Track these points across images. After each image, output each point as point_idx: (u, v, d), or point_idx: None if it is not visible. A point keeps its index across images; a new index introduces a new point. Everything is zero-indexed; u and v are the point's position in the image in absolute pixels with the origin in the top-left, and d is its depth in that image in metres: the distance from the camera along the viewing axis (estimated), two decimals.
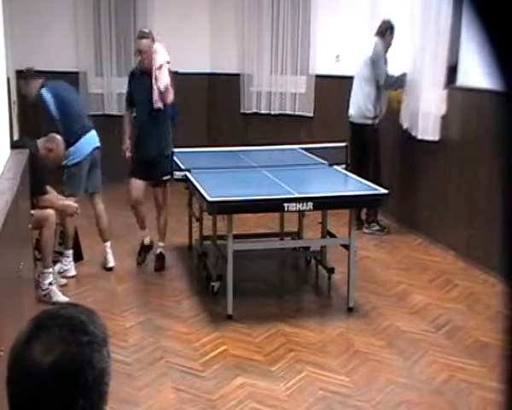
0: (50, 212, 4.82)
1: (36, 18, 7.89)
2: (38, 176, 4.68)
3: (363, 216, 6.63)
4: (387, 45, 6.49)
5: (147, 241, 5.73)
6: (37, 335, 1.22)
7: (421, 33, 6.22)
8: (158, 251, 5.67)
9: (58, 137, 5.02)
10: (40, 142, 4.92)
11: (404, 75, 6.45)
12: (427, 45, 6.16)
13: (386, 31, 6.45)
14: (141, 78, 5.51)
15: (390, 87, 6.53)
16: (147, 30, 5.67)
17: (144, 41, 5.38)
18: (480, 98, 5.33)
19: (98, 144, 5.45)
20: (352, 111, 6.64)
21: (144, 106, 5.49)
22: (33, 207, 4.69)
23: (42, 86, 5.27)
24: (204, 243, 5.70)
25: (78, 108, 5.46)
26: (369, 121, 6.50)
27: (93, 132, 5.41)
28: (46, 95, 5.23)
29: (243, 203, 4.53)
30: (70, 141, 5.16)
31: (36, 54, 7.89)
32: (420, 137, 6.28)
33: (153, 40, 5.45)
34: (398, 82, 6.47)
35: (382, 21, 6.49)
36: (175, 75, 8.28)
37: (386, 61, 6.47)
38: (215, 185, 4.82)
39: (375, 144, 6.52)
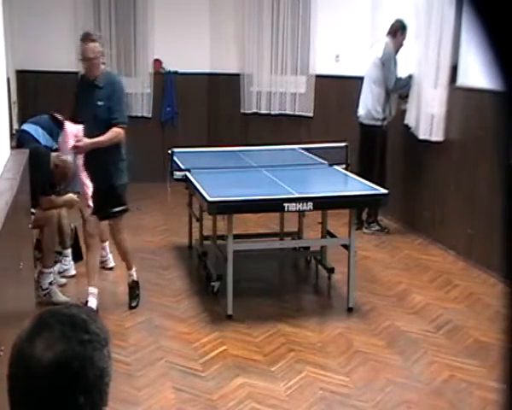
0: (52, 211, 4.85)
1: (36, 18, 7.88)
2: (43, 178, 4.72)
3: (364, 216, 6.63)
4: (399, 45, 6.47)
5: (134, 277, 4.99)
6: (38, 332, 1.23)
7: (424, 33, 6.21)
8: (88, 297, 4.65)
9: (69, 158, 5.06)
10: (52, 156, 4.96)
11: (410, 77, 6.44)
12: (429, 45, 6.15)
13: (397, 31, 6.43)
14: (87, 89, 4.62)
15: (398, 90, 6.49)
16: (93, 32, 4.73)
17: (90, 45, 4.50)
18: (481, 98, 5.34)
19: None
20: (361, 112, 6.63)
21: (89, 127, 4.51)
22: (35, 206, 4.70)
23: (19, 128, 5.22)
24: (204, 243, 5.70)
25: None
26: (378, 123, 6.47)
27: None
28: (30, 128, 5.15)
29: (243, 203, 4.53)
30: None
31: (36, 54, 7.90)
32: (422, 137, 6.28)
33: (102, 45, 4.66)
34: (407, 85, 6.46)
35: (395, 21, 6.46)
36: (175, 75, 8.28)
37: (395, 63, 6.45)
38: (215, 185, 4.82)
39: (382, 146, 6.50)
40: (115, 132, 4.52)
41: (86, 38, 4.54)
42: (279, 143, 6.43)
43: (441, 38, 6.03)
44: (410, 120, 6.44)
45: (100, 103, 4.53)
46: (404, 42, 6.46)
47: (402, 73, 6.48)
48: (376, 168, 6.38)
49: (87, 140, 4.47)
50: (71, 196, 5.14)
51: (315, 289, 5.51)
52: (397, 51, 6.48)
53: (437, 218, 6.34)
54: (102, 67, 4.62)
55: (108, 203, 4.64)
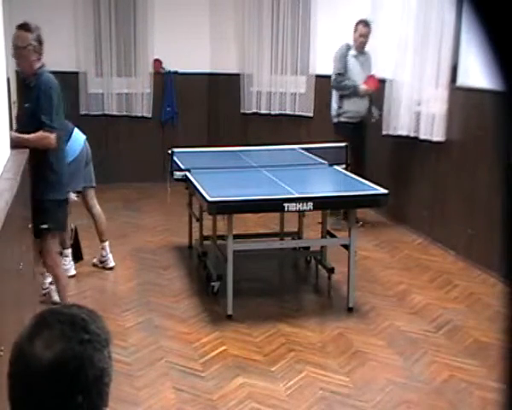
0: None
1: (36, 18, 7.82)
2: None
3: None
4: (356, 42, 6.60)
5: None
6: (38, 331, 1.23)
7: (423, 33, 6.22)
8: None
9: None
10: None
11: (352, 87, 6.54)
12: (429, 45, 6.16)
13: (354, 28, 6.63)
14: (23, 89, 4.25)
15: (336, 89, 6.64)
16: (33, 24, 4.24)
17: (22, 34, 4.10)
18: (481, 98, 5.33)
19: (84, 136, 5.42)
20: None
21: (21, 129, 4.21)
22: None
23: None
24: (204, 243, 5.70)
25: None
26: (335, 120, 6.70)
27: (76, 129, 5.37)
28: None
29: (243, 203, 4.53)
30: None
31: None
32: (422, 137, 6.29)
33: (39, 40, 4.24)
34: (345, 88, 6.56)
35: None
36: (175, 75, 8.27)
37: (344, 59, 6.55)
38: (215, 185, 4.82)
39: (350, 140, 6.30)
40: (41, 135, 4.10)
41: (20, 26, 4.13)
42: (279, 143, 6.42)
43: (441, 38, 6.03)
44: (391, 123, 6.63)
45: (27, 105, 4.17)
46: (364, 38, 6.58)
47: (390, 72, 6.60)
48: (353, 162, 6.20)
49: (12, 133, 4.10)
50: (70, 194, 5.15)
51: (315, 289, 5.51)
52: (359, 47, 6.60)
53: (437, 218, 6.33)
54: (38, 65, 4.23)
55: (35, 218, 4.09)
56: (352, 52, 6.59)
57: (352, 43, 6.62)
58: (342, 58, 6.57)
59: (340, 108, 6.62)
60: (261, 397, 3.66)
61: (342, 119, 6.61)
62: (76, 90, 8.18)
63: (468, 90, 5.77)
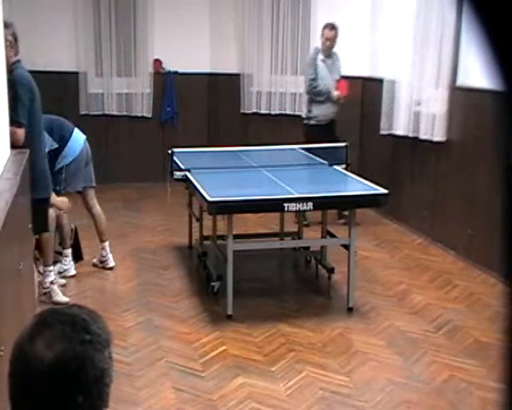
0: (50, 211, 4.85)
1: (36, 18, 7.88)
2: None
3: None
4: (323, 45, 6.64)
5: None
6: (39, 331, 1.23)
7: (423, 33, 6.22)
8: None
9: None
10: None
11: (326, 93, 6.57)
12: (430, 45, 6.16)
13: None
14: None
15: (311, 95, 6.65)
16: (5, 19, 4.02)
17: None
18: (481, 98, 5.33)
19: (85, 136, 5.42)
20: None
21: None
22: None
23: None
24: (204, 243, 5.70)
25: (58, 122, 5.34)
26: (305, 121, 6.76)
27: (76, 129, 5.37)
28: None
29: (243, 203, 4.53)
30: (62, 147, 5.18)
31: (36, 54, 7.90)
32: (423, 137, 6.30)
33: (14, 37, 4.15)
34: (320, 94, 6.58)
35: None
36: (175, 75, 8.25)
37: (315, 64, 6.58)
38: (215, 185, 4.82)
39: (315, 142, 6.18)
40: (10, 131, 3.94)
41: None
42: (279, 143, 6.42)
43: (442, 38, 6.03)
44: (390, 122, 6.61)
45: None
46: (331, 42, 6.59)
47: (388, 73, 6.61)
48: None
49: None
50: (63, 199, 5.10)
51: (315, 289, 5.50)
52: (326, 51, 6.62)
53: (437, 218, 6.34)
54: (12, 59, 4.13)
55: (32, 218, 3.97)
56: (320, 56, 6.63)
57: (320, 48, 6.66)
58: (312, 62, 6.63)
59: (309, 111, 6.69)
60: (261, 397, 3.66)
61: (311, 122, 6.68)
62: (76, 90, 8.19)
63: (468, 90, 5.77)
